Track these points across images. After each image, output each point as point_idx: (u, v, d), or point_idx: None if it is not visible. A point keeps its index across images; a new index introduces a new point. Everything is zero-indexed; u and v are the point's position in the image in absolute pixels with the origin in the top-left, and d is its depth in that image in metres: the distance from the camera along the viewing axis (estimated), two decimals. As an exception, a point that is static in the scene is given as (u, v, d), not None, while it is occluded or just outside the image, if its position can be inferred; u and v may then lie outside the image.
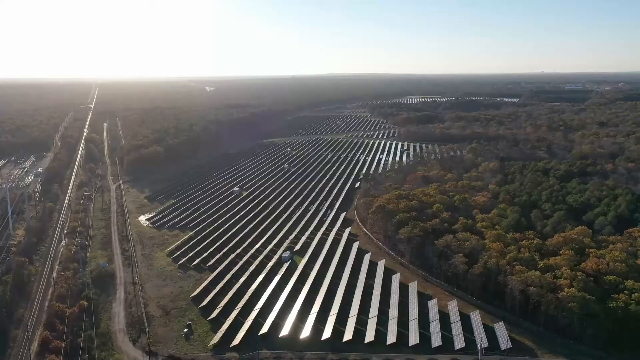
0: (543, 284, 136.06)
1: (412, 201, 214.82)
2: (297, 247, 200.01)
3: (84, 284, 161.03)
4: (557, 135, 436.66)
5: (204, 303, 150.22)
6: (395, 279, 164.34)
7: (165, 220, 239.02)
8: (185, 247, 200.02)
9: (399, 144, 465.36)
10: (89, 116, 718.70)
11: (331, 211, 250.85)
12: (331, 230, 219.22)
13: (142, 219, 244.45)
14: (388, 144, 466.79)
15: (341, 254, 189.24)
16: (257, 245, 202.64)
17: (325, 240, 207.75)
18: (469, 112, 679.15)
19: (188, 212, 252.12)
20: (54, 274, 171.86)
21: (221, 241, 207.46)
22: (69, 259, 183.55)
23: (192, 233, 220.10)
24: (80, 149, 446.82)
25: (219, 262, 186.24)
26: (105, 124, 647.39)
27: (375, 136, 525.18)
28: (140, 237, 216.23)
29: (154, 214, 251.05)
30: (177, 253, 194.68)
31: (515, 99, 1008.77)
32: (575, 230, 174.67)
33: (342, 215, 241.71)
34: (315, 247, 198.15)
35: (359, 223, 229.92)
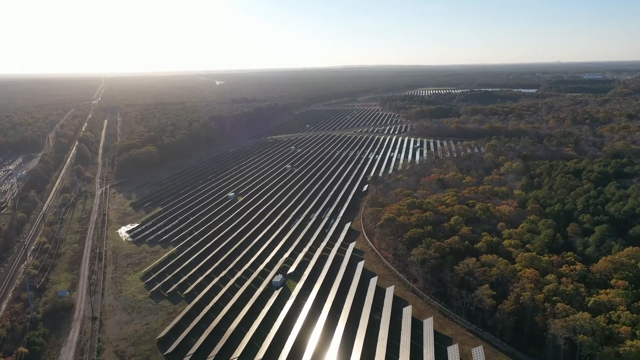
0: (595, 330, 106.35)
1: (426, 212, 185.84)
2: (292, 268, 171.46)
3: (33, 320, 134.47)
4: (584, 129, 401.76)
5: (172, 348, 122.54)
6: (407, 313, 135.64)
7: (147, 232, 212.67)
8: (163, 269, 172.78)
9: (412, 140, 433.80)
10: (90, 113, 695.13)
11: (334, 221, 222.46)
12: (333, 246, 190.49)
13: (123, 230, 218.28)
14: (400, 140, 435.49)
15: (343, 277, 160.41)
16: (246, 266, 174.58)
17: (325, 258, 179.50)
18: (485, 104, 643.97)
19: (174, 222, 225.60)
20: (3, 306, 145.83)
21: (205, 260, 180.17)
22: (24, 285, 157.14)
23: (174, 249, 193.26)
24: (73, 149, 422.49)
25: (199, 288, 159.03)
26: (105, 121, 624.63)
27: (386, 131, 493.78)
28: (115, 254, 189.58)
29: (136, 225, 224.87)
30: (153, 276, 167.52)
31: (533, 90, 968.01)
32: (626, 252, 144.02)
33: (347, 225, 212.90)
34: (313, 268, 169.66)
35: (365, 236, 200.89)
